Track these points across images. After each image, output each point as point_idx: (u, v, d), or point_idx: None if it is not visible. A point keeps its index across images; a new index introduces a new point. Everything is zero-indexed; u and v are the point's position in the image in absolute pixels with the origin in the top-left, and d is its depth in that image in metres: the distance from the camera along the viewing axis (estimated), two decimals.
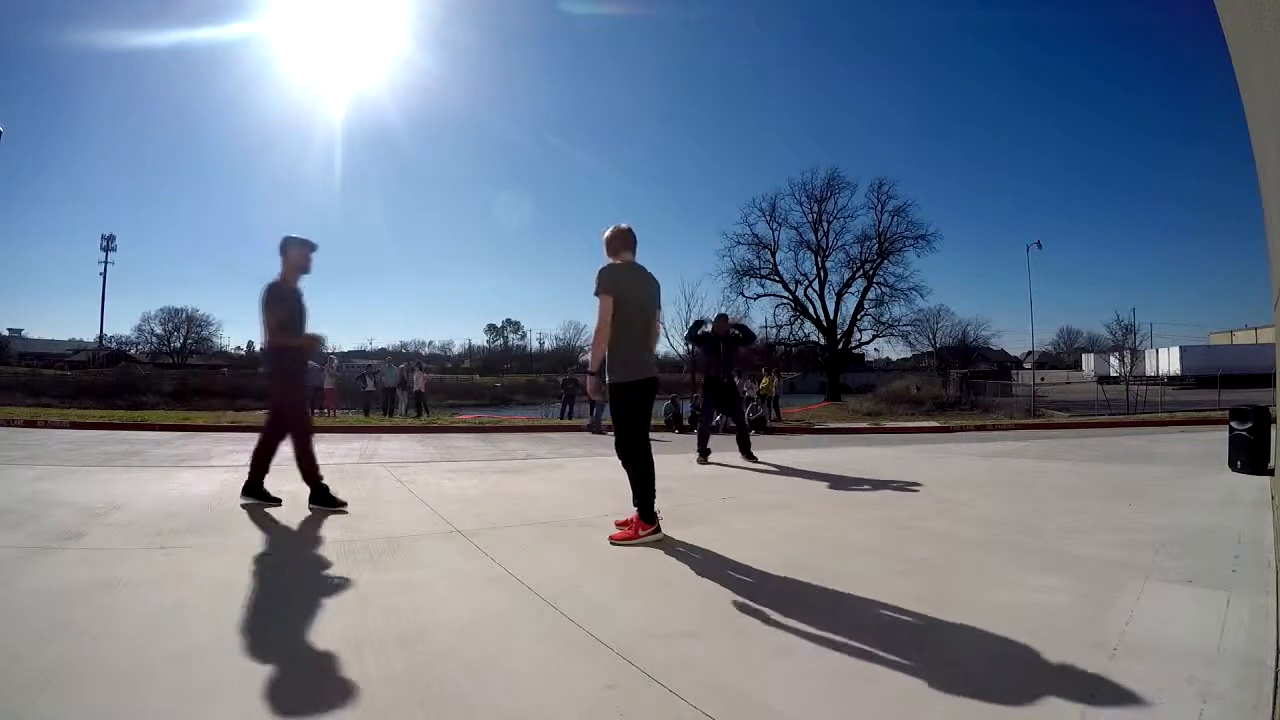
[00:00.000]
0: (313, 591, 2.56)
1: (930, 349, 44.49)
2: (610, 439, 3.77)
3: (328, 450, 7.73)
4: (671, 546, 3.33)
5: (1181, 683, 1.77)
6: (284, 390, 4.27)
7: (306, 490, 4.18)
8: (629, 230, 3.59)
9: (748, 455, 7.12)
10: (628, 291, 3.42)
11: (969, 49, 67.73)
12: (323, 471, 4.24)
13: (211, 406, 24.43)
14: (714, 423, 8.75)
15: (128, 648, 1.96)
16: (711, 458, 7.15)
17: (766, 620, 2.31)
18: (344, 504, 4.17)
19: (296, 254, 4.23)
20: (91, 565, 2.77)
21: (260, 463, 4.23)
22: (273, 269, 4.23)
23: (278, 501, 4.21)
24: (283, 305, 4.14)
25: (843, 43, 71.26)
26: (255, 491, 4.22)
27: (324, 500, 4.17)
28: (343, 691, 1.75)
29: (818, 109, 74.57)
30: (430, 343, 69.37)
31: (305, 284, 4.32)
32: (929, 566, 2.97)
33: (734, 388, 7.83)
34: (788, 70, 73.35)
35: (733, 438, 7.66)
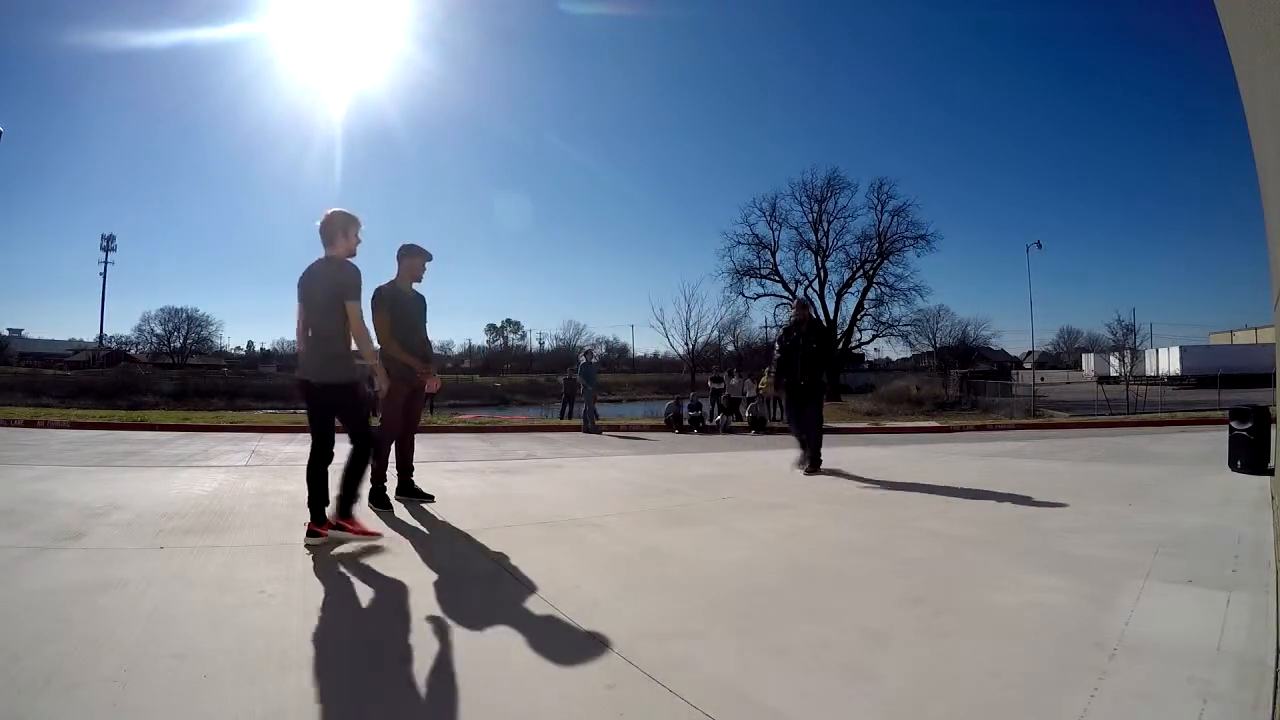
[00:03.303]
0: (311, 591, 2.56)
1: (930, 349, 44.41)
2: (606, 439, 3.78)
3: None
4: (670, 546, 3.33)
5: (1181, 683, 1.77)
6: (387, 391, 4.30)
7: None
8: (322, 222, 3.31)
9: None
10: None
11: (969, 49, 67.61)
12: (386, 472, 4.29)
13: (211, 406, 24.48)
14: (715, 422, 8.84)
15: (127, 648, 1.96)
16: (712, 458, 7.16)
17: (766, 620, 2.32)
18: (430, 496, 4.45)
19: (411, 261, 4.43)
20: (91, 565, 2.77)
21: (376, 468, 4.18)
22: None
23: (431, 496, 4.42)
24: (387, 306, 4.24)
25: (843, 43, 71.13)
26: (378, 499, 4.15)
27: (409, 491, 4.44)
28: (340, 687, 1.75)
29: (818, 109, 74.36)
30: (430, 342, 69.11)
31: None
32: (928, 566, 2.97)
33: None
34: (788, 70, 73.16)
35: (754, 437, 7.69)
